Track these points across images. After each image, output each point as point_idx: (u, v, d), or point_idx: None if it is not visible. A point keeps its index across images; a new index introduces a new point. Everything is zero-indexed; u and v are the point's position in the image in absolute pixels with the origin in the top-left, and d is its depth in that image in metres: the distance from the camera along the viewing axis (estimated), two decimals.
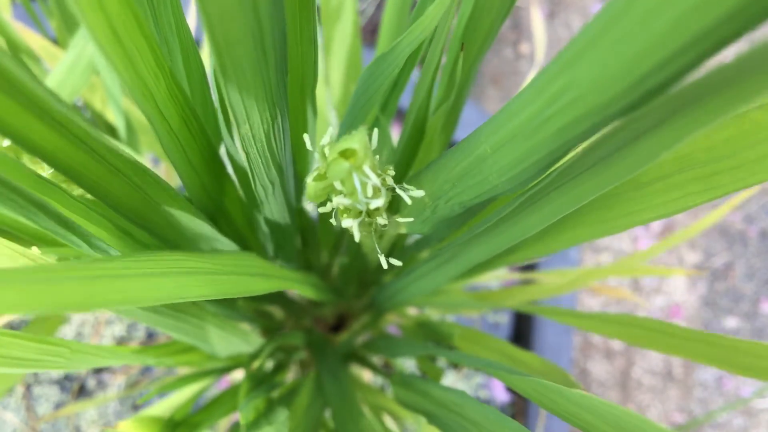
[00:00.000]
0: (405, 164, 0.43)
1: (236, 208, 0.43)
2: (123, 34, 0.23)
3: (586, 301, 1.62)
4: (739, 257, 1.68)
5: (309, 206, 0.80)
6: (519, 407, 1.23)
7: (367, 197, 0.27)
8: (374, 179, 0.26)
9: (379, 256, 0.33)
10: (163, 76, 0.26)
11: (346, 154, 0.25)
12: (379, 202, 0.28)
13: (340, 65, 0.59)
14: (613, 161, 0.23)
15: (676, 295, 1.65)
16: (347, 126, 0.36)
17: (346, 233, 0.67)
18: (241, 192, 0.43)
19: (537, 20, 1.16)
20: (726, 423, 1.58)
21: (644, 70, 0.18)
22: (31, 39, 0.67)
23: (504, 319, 1.28)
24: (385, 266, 0.33)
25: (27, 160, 0.32)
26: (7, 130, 0.21)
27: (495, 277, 0.86)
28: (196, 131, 0.32)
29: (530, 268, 1.23)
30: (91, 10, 0.21)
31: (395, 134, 1.29)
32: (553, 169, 0.26)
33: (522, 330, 1.26)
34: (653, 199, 0.32)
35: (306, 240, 0.60)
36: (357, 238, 0.30)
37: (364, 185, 0.26)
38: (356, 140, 0.25)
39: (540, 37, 1.15)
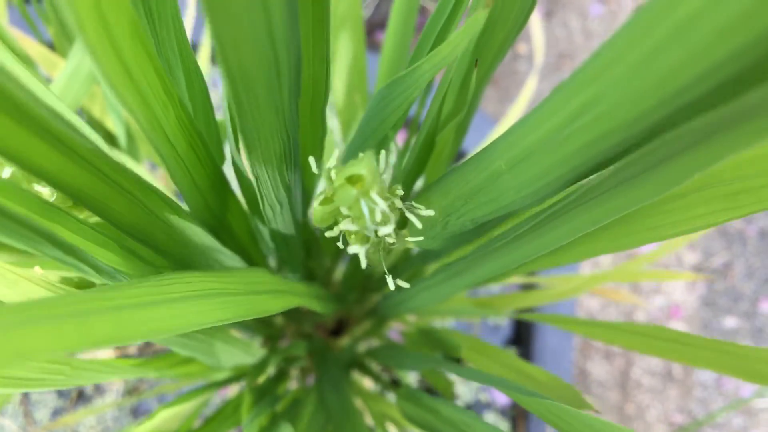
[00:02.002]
0: (414, 175, 0.42)
1: (239, 222, 0.42)
2: (134, 70, 0.22)
3: (585, 301, 1.61)
4: (738, 257, 1.67)
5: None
6: (519, 410, 1.23)
7: (375, 223, 0.26)
8: (382, 205, 0.25)
9: (387, 277, 0.32)
10: (172, 105, 0.26)
11: (353, 179, 0.24)
12: (388, 230, 0.27)
13: (343, 72, 0.58)
14: (641, 181, 0.22)
15: (675, 295, 1.65)
16: (358, 144, 0.35)
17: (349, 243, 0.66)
18: (245, 207, 0.42)
19: (535, 21, 1.15)
20: (726, 423, 1.58)
21: (680, 84, 0.16)
22: (29, 45, 0.66)
23: (504, 322, 1.27)
24: (392, 287, 0.32)
25: (31, 186, 0.32)
26: (11, 153, 0.20)
27: (497, 283, 0.85)
28: (202, 154, 0.31)
29: (530, 271, 1.23)
30: (103, 50, 0.20)
31: (399, 142, 1.28)
32: (576, 186, 0.25)
33: (522, 332, 1.26)
34: (674, 215, 0.31)
35: (309, 250, 0.60)
36: (363, 264, 0.29)
37: (372, 211, 0.26)
38: (364, 166, 0.24)
39: (538, 37, 1.14)
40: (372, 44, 1.58)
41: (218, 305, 0.28)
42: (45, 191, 0.30)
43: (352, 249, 0.28)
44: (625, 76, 0.18)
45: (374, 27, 1.57)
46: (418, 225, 0.29)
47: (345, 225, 0.27)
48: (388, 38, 0.51)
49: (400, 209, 0.29)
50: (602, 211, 0.25)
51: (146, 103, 0.24)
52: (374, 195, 0.25)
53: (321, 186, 0.59)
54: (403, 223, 0.35)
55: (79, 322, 0.19)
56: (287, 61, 0.21)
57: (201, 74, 0.33)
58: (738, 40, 0.15)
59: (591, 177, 0.24)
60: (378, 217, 0.26)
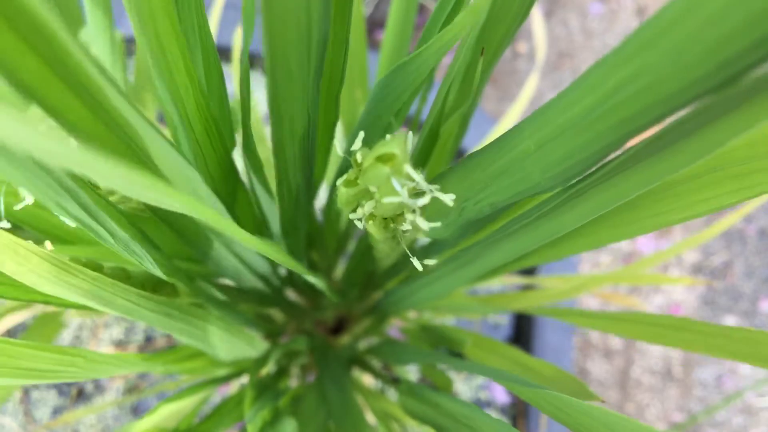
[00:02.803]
0: (417, 168, 0.42)
1: (245, 212, 0.42)
2: (168, 49, 0.22)
3: (585, 301, 1.62)
4: (738, 256, 1.68)
5: (316, 208, 0.79)
6: (520, 409, 1.23)
7: (410, 198, 0.26)
8: (418, 179, 0.25)
9: (412, 259, 0.32)
10: (192, 86, 0.26)
11: (383, 158, 0.25)
12: (425, 200, 0.27)
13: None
14: (669, 153, 0.21)
15: (675, 294, 1.65)
16: (366, 127, 0.35)
17: (351, 235, 0.66)
18: (252, 197, 0.42)
19: (537, 19, 1.15)
20: (725, 422, 1.58)
21: (731, 53, 0.16)
22: None
23: (504, 320, 1.27)
24: (420, 268, 0.32)
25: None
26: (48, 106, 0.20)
27: (497, 281, 0.85)
28: (216, 140, 0.31)
29: (530, 271, 1.23)
30: (148, 26, 0.20)
31: None
32: (601, 164, 0.25)
33: (522, 330, 1.26)
34: (683, 198, 0.30)
35: (312, 242, 0.60)
36: (403, 246, 0.29)
37: (404, 187, 0.26)
38: (396, 145, 0.24)
39: (540, 36, 1.14)
40: (372, 43, 1.58)
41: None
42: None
43: (378, 233, 0.29)
44: (678, 44, 0.17)
45: (374, 26, 1.58)
46: (449, 203, 0.29)
47: (369, 207, 0.28)
48: (387, 36, 0.51)
49: (424, 190, 0.29)
50: (626, 187, 0.24)
51: (173, 79, 0.24)
52: (409, 169, 0.25)
53: (325, 182, 0.58)
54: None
55: None
56: (318, 36, 0.21)
57: (218, 58, 0.33)
58: None
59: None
60: (405, 195, 0.26)
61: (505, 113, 1.01)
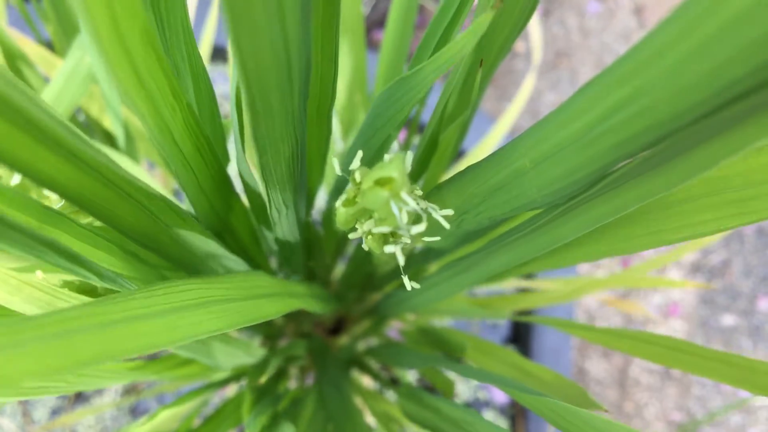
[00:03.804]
0: (416, 176, 0.42)
1: (242, 223, 0.42)
2: (144, 73, 0.22)
3: (584, 299, 1.62)
4: (736, 255, 1.68)
5: (313, 214, 0.79)
6: (518, 409, 1.23)
7: (406, 224, 0.26)
8: (414, 206, 0.25)
9: (403, 277, 0.32)
10: (180, 108, 0.25)
11: (382, 181, 0.24)
12: (421, 228, 0.27)
13: (344, 73, 0.58)
14: (657, 174, 0.21)
15: (673, 292, 1.65)
16: (360, 144, 0.35)
17: (349, 241, 0.66)
18: (249, 208, 0.42)
19: (533, 21, 1.15)
20: (724, 421, 1.58)
21: (732, 77, 0.16)
22: (27, 46, 0.65)
23: (502, 321, 1.27)
24: (408, 288, 0.32)
25: (37, 192, 0.32)
26: (16, 162, 0.20)
27: (496, 284, 0.85)
28: (208, 156, 0.31)
29: (529, 274, 1.23)
30: (115, 54, 0.20)
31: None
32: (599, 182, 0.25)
33: (521, 331, 1.26)
34: (683, 219, 0.30)
35: (311, 250, 0.60)
36: (401, 261, 0.29)
37: (402, 212, 0.25)
38: (395, 168, 0.24)
39: (536, 37, 1.14)
40: (370, 43, 1.57)
41: (214, 314, 0.27)
42: (53, 197, 0.29)
43: (389, 249, 0.28)
44: (674, 68, 0.17)
45: (372, 25, 1.57)
46: (446, 226, 0.28)
47: (376, 229, 0.27)
48: (387, 37, 0.51)
49: (423, 209, 0.29)
50: (620, 202, 0.24)
51: (155, 106, 0.24)
52: (405, 196, 0.25)
53: (324, 186, 0.58)
54: (416, 222, 0.35)
55: (67, 343, 0.19)
56: (299, 65, 0.21)
57: (207, 76, 0.33)
58: None
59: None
60: (405, 218, 0.25)
61: (504, 112, 1.01)
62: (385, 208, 0.25)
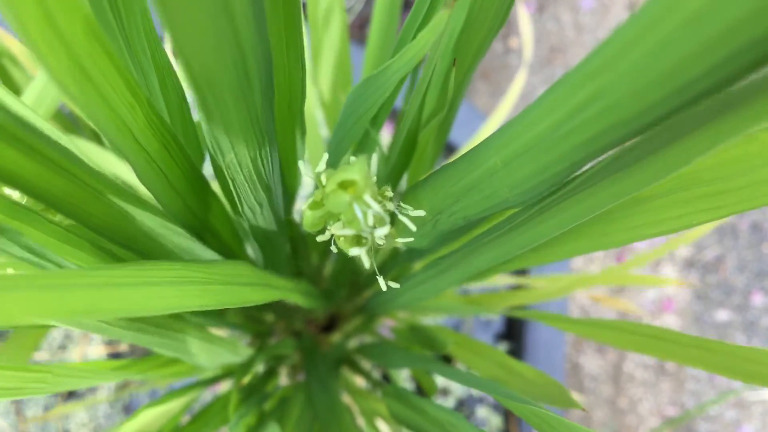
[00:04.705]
0: (398, 173, 0.42)
1: (222, 222, 0.42)
2: (92, 71, 0.21)
3: (576, 295, 1.62)
4: (730, 250, 1.68)
5: (297, 214, 0.78)
6: None
7: (370, 226, 0.26)
8: (377, 208, 0.25)
9: (378, 278, 0.32)
10: (140, 106, 0.25)
11: (345, 184, 0.24)
12: (384, 231, 0.26)
13: (328, 68, 0.57)
14: (630, 172, 0.21)
15: (667, 288, 1.65)
16: (337, 143, 0.34)
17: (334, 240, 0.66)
18: (227, 207, 0.41)
19: (523, 16, 1.15)
20: (718, 416, 1.58)
21: (691, 76, 0.16)
22: (13, 44, 0.65)
23: (496, 316, 1.27)
24: (384, 288, 0.31)
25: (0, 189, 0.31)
26: None
27: (488, 281, 0.85)
28: (178, 155, 0.30)
29: (522, 271, 1.22)
30: (52, 52, 0.19)
31: (386, 133, 1.27)
32: (569, 180, 0.25)
33: (514, 327, 1.26)
34: (655, 215, 0.30)
35: (295, 248, 0.59)
36: (367, 264, 0.28)
37: (365, 215, 0.25)
38: (356, 171, 0.23)
39: (527, 32, 1.14)
40: (362, 39, 1.57)
41: (199, 292, 0.29)
42: (15, 194, 0.29)
43: (354, 251, 0.28)
44: (634, 67, 0.17)
45: (365, 21, 1.57)
46: (412, 228, 0.28)
47: (336, 228, 0.27)
48: (372, 33, 0.50)
49: (392, 211, 0.29)
50: (594, 202, 0.24)
51: (108, 105, 0.23)
52: (368, 198, 0.24)
53: (304, 183, 0.58)
54: (392, 223, 0.34)
55: (59, 294, 0.20)
56: (256, 65, 0.20)
57: (174, 72, 0.32)
58: (756, 29, 0.14)
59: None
60: (371, 221, 0.25)
61: (496, 108, 1.01)
62: (348, 211, 0.25)
